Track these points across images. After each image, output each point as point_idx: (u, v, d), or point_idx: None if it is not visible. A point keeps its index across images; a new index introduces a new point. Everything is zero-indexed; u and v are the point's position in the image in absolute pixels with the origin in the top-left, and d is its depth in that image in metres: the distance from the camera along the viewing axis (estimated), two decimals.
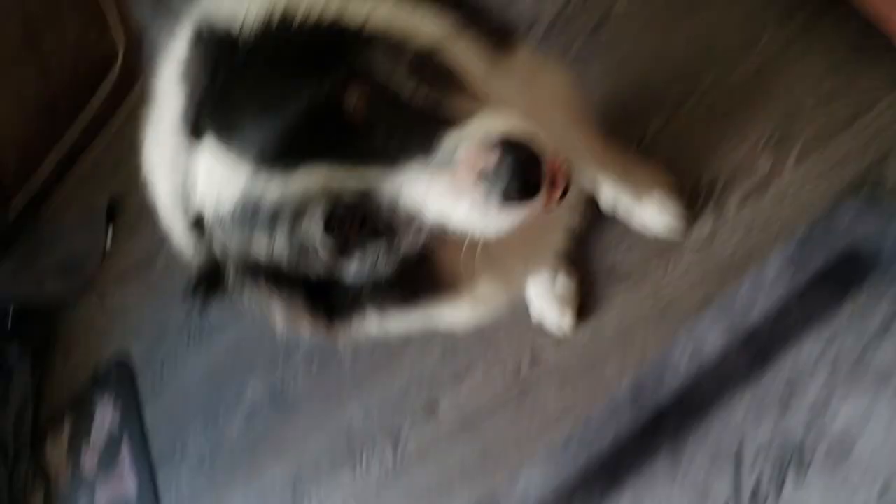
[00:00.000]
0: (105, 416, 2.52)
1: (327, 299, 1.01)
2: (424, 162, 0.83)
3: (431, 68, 0.97)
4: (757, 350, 1.18)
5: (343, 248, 0.90)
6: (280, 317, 1.01)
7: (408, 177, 0.84)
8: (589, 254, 1.70)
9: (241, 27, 0.94)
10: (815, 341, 0.94)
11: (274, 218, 0.87)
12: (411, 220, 0.88)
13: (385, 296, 1.01)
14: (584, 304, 1.68)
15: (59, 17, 2.95)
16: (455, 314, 1.16)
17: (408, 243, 0.92)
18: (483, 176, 0.82)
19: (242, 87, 0.90)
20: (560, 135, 1.06)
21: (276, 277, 0.96)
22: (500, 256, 1.10)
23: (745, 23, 1.65)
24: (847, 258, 0.65)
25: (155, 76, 1.05)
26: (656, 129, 1.70)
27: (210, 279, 0.97)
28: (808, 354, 1.02)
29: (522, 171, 0.81)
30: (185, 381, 2.38)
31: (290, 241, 0.90)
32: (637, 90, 1.76)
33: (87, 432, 2.55)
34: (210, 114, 0.91)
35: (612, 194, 1.61)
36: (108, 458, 2.47)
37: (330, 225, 0.87)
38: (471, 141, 0.83)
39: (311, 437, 2.05)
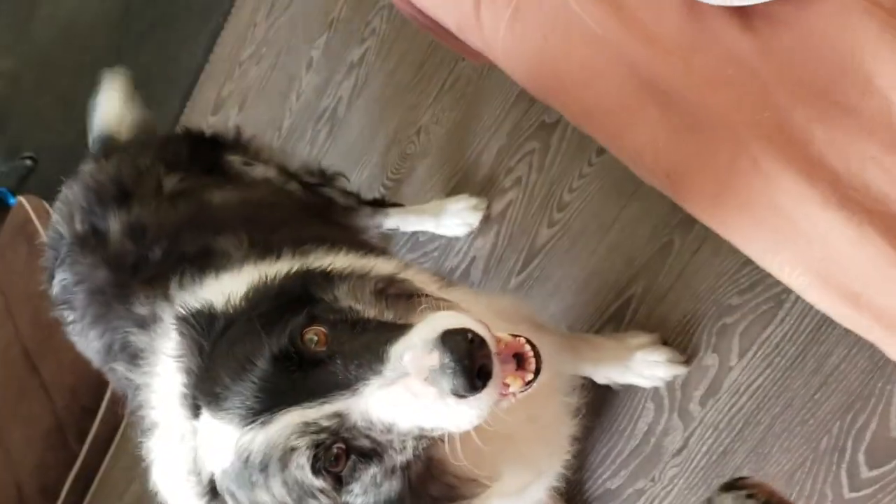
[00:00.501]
0: None
1: None
2: (380, 377, 0.86)
3: (393, 291, 1.06)
4: None
5: (338, 483, 0.91)
6: None
7: (369, 396, 0.86)
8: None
9: (221, 305, 1.05)
10: None
11: (264, 470, 0.91)
12: (391, 435, 0.89)
13: None
14: None
15: (53, 344, 3.12)
16: None
17: (401, 458, 0.92)
18: (430, 378, 0.83)
19: (223, 358, 0.97)
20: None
21: None
22: (508, 445, 1.12)
23: (654, 233, 1.76)
24: None
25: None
26: None
27: None
28: None
29: (464, 364, 0.82)
30: None
31: (288, 489, 0.92)
32: (578, 307, 1.85)
33: None
34: (201, 389, 0.97)
35: (601, 373, 1.65)
36: None
37: (316, 465, 0.89)
38: (412, 347, 0.85)
39: None
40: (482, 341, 0.84)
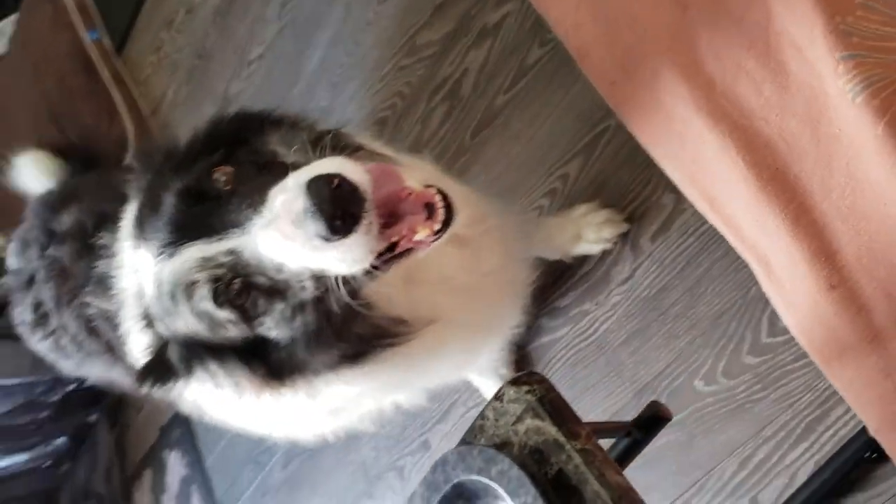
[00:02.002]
0: (175, 466, 2.85)
1: (268, 362, 1.03)
2: (260, 218, 0.89)
3: (328, 143, 1.03)
4: None
5: (244, 315, 0.96)
6: (225, 385, 1.04)
7: (255, 236, 0.90)
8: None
9: (169, 147, 1.09)
10: None
11: (174, 300, 0.96)
12: (285, 274, 0.92)
13: (329, 352, 1.03)
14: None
15: (76, 110, 3.23)
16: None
17: (307, 295, 0.95)
18: (296, 221, 0.85)
19: (148, 192, 1.03)
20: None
21: (209, 350, 1.02)
22: (450, 293, 1.15)
23: None
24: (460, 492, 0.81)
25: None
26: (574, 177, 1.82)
27: (159, 363, 1.05)
28: None
29: (323, 208, 0.83)
30: (232, 432, 2.68)
31: (198, 318, 0.97)
32: (556, 136, 1.88)
33: (163, 481, 2.90)
34: (136, 221, 1.04)
35: (552, 249, 1.72)
36: (183, 501, 2.81)
37: (218, 298, 0.94)
38: (284, 190, 0.88)
39: (336, 475, 2.31)
40: (353, 188, 0.85)
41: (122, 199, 1.20)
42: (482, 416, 0.86)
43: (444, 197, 0.96)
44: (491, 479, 0.77)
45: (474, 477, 0.78)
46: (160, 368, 1.05)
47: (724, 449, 1.53)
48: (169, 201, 0.97)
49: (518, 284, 1.40)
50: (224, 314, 0.96)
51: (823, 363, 1.16)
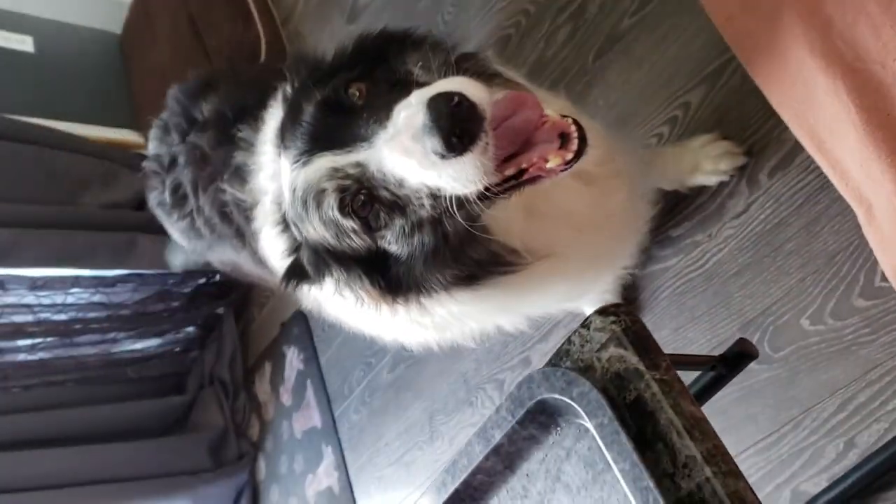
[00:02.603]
0: (293, 361, 3.04)
1: (387, 277, 1.08)
2: (385, 133, 0.92)
3: (466, 66, 1.08)
4: None
5: (367, 226, 1.01)
6: (348, 293, 1.11)
7: (379, 150, 0.93)
8: None
9: (316, 60, 1.15)
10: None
11: (305, 206, 1.02)
12: (406, 190, 0.95)
13: (444, 272, 1.06)
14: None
15: (213, 15, 3.36)
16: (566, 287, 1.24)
17: (424, 213, 0.98)
18: (415, 136, 0.87)
19: (298, 105, 1.07)
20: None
21: (335, 258, 1.07)
22: (567, 227, 1.16)
23: None
24: (542, 409, 0.84)
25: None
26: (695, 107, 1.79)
27: (296, 267, 1.13)
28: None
29: (440, 124, 0.84)
30: (346, 333, 2.82)
31: (325, 226, 1.02)
32: (682, 59, 1.84)
33: (282, 373, 3.10)
34: (280, 130, 1.11)
35: (669, 179, 1.71)
36: (298, 394, 3.00)
37: (344, 208, 0.99)
38: (407, 106, 0.90)
39: (439, 382, 2.41)
40: (472, 105, 0.86)
41: (262, 95, 1.27)
42: (569, 341, 0.90)
43: (579, 128, 0.96)
44: (572, 399, 0.81)
45: (556, 396, 0.83)
46: (297, 272, 1.12)
47: (825, 388, 1.52)
48: (307, 112, 1.02)
49: (638, 226, 1.41)
50: (349, 223, 1.01)
51: None
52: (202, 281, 3.31)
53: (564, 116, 0.97)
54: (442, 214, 0.98)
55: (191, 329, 3.44)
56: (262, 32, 3.22)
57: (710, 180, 1.69)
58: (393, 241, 1.04)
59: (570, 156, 0.94)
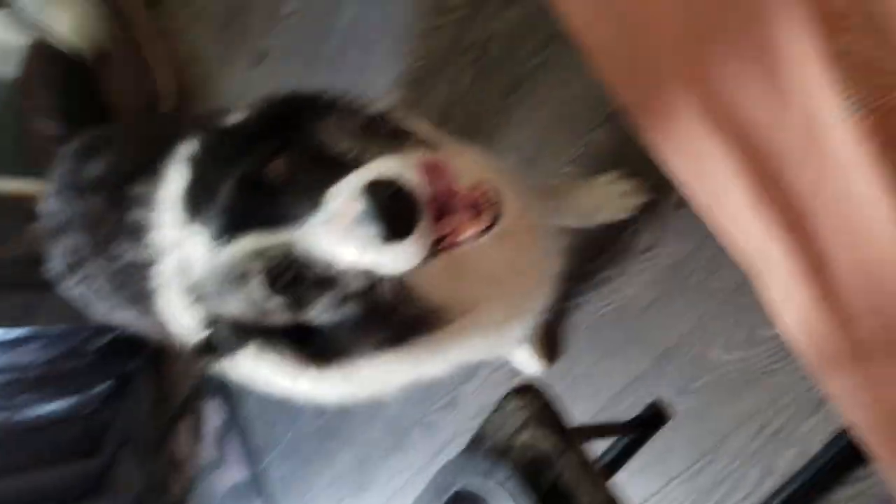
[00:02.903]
0: (213, 414, 2.96)
1: (313, 344, 1.06)
2: (317, 216, 0.91)
3: (381, 129, 1.08)
4: None
5: (294, 304, 0.99)
6: (270, 362, 1.09)
7: (311, 231, 0.92)
8: None
9: (229, 121, 1.10)
10: None
11: (227, 285, 0.99)
12: (339, 268, 0.94)
13: (372, 336, 1.06)
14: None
15: (110, 61, 3.27)
16: (478, 348, 1.23)
17: (355, 287, 0.97)
18: (354, 223, 0.88)
19: (206, 171, 1.05)
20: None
21: (256, 332, 1.05)
22: (485, 281, 1.16)
23: None
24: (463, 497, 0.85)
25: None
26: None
27: (212, 341, 1.08)
28: None
29: (382, 214, 0.86)
30: None
31: (249, 304, 1.00)
32: (584, 99, 1.88)
33: (202, 427, 3.02)
34: (194, 202, 1.05)
35: (578, 216, 1.74)
36: (221, 448, 2.92)
37: (271, 287, 0.97)
38: (342, 192, 0.90)
39: (366, 428, 2.39)
40: (410, 192, 0.87)
41: (158, 153, 1.23)
42: (484, 424, 0.90)
43: (493, 196, 0.97)
44: (491, 486, 0.81)
45: (476, 483, 0.83)
46: (212, 347, 1.08)
47: (740, 417, 1.56)
48: (226, 187, 0.99)
49: (552, 275, 1.42)
50: (276, 302, 0.99)
51: (813, 368, 1.19)
52: (114, 336, 3.20)
53: (478, 183, 0.98)
54: (372, 285, 0.98)
55: (103, 387, 3.31)
56: (164, 79, 3.16)
57: (617, 217, 1.72)
58: (320, 314, 1.02)
59: (485, 224, 0.95)
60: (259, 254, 0.96)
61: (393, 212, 0.86)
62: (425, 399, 2.19)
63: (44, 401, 3.13)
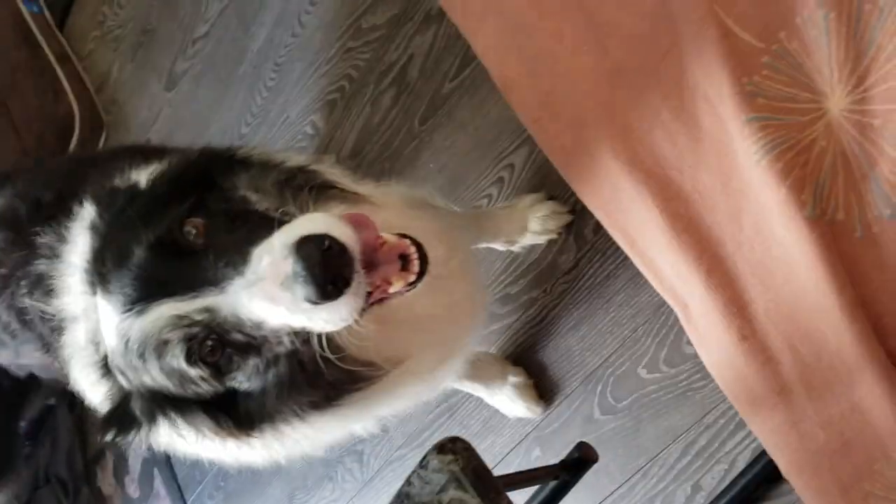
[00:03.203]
0: (137, 449, 2.86)
1: (235, 414, 1.01)
2: (242, 278, 0.87)
3: (299, 182, 1.04)
4: None
5: (217, 371, 0.94)
6: (188, 435, 1.03)
7: (234, 295, 0.87)
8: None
9: (132, 188, 1.05)
10: None
11: (143, 357, 0.93)
12: (263, 331, 0.90)
13: (300, 400, 1.01)
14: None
15: (18, 85, 3.15)
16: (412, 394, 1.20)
17: (281, 349, 0.93)
18: (284, 283, 0.84)
19: (112, 239, 0.99)
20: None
21: (174, 404, 0.99)
22: (416, 328, 1.13)
23: None
24: None
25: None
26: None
27: (121, 415, 1.02)
28: None
29: (315, 273, 0.82)
30: None
31: (167, 376, 0.95)
32: (503, 123, 1.88)
33: (125, 464, 2.91)
34: (93, 267, 1.00)
35: (502, 239, 1.73)
36: (146, 483, 2.83)
37: (191, 357, 0.92)
38: (269, 252, 0.86)
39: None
40: (342, 248, 0.84)
41: (62, 193, 1.18)
42: (409, 482, 0.88)
43: (419, 248, 0.96)
44: None
45: None
46: (122, 420, 1.02)
47: (668, 435, 1.57)
48: (137, 253, 0.93)
49: (482, 313, 1.40)
50: (196, 372, 0.94)
51: (738, 406, 1.21)
52: (29, 373, 3.07)
53: (403, 236, 0.96)
54: (299, 346, 0.94)
55: (21, 425, 3.17)
56: (75, 103, 3.05)
57: (540, 239, 1.72)
58: (245, 380, 0.98)
59: (412, 277, 0.94)
60: (177, 322, 0.91)
61: (325, 271, 0.83)
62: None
63: None
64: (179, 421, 1.00)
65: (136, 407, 1.02)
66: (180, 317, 0.91)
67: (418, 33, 2.03)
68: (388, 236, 0.95)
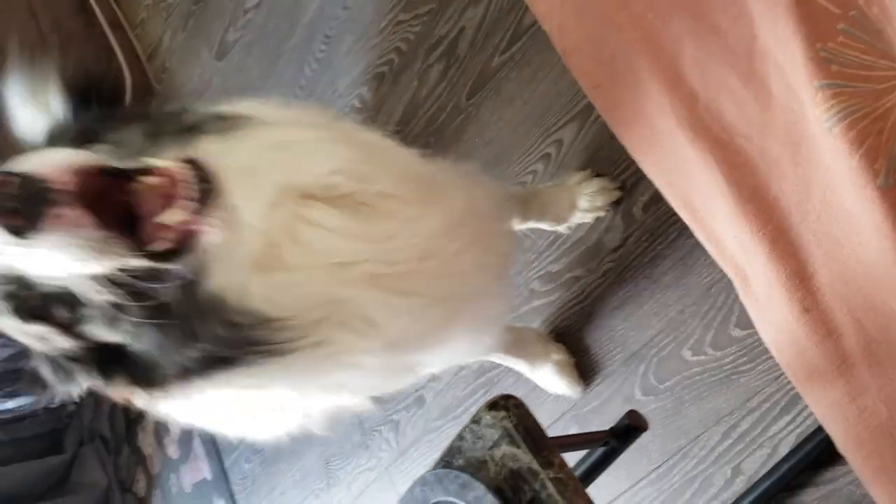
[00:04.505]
0: None
1: (130, 369, 0.95)
2: None
3: (175, 127, 0.95)
4: None
5: (59, 326, 0.89)
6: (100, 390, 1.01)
7: None
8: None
9: None
10: None
11: None
12: (50, 281, 0.85)
13: (185, 354, 0.92)
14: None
15: (72, 50, 3.19)
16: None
17: (99, 297, 0.86)
18: None
19: None
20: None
21: (69, 360, 0.96)
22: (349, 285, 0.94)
23: None
24: None
25: None
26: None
27: (33, 375, 1.02)
28: None
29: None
30: None
31: (20, 333, 0.92)
32: (551, 98, 1.87)
33: (166, 424, 2.97)
34: None
35: (549, 220, 1.71)
36: (185, 445, 2.88)
37: (20, 313, 0.88)
38: None
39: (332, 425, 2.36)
40: (36, 181, 0.76)
41: None
42: (460, 437, 0.89)
43: (197, 169, 0.85)
44: (467, 502, 0.79)
45: (451, 499, 0.81)
46: (36, 380, 1.02)
47: (710, 417, 1.56)
48: None
49: (488, 269, 1.20)
50: (35, 328, 0.90)
51: (795, 380, 1.19)
52: None
53: (184, 159, 0.85)
54: (135, 294, 0.86)
55: None
56: (127, 71, 3.09)
57: (588, 217, 1.71)
58: (104, 333, 0.91)
59: (191, 204, 0.83)
60: None
61: (8, 206, 0.75)
62: (392, 396, 2.17)
63: (5, 397, 3.06)
64: (80, 375, 0.97)
65: (42, 366, 1.00)
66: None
67: (470, 6, 2.01)
68: (160, 162, 0.85)
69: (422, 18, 2.13)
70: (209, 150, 0.88)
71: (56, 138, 0.97)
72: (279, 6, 2.58)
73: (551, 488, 0.77)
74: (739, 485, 1.52)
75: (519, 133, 1.89)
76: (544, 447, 0.81)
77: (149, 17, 3.19)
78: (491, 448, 0.83)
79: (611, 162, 1.71)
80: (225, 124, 0.95)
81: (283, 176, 0.90)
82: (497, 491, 0.78)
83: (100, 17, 3.21)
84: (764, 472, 1.45)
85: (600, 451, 1.24)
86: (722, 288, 1.55)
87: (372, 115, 2.25)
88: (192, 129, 0.95)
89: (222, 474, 2.72)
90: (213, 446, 2.77)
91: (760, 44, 0.86)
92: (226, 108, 1.00)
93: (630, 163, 1.68)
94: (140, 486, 3.09)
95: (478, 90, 1.98)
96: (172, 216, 0.83)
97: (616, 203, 1.70)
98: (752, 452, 1.51)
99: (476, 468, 0.83)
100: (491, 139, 1.94)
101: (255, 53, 2.67)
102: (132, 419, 3.15)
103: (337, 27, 2.37)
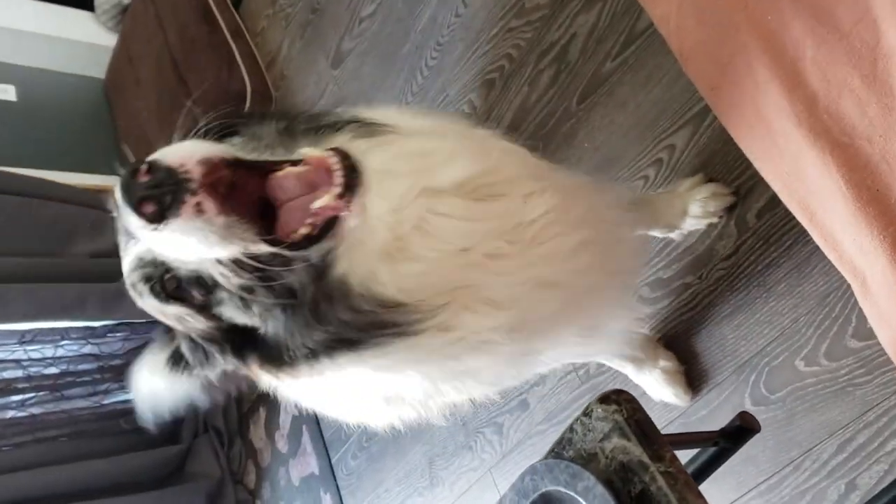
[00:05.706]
0: (288, 406, 3.02)
1: (261, 349, 0.99)
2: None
3: (306, 126, 1.01)
4: None
5: (194, 306, 0.94)
6: (233, 370, 1.05)
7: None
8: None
9: None
10: None
11: (138, 296, 0.97)
12: (187, 264, 0.89)
13: (312, 336, 0.95)
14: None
15: (196, 60, 3.37)
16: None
17: (230, 281, 0.90)
18: (122, 215, 0.84)
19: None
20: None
21: (206, 341, 1.02)
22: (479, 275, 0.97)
23: None
24: (546, 501, 0.84)
25: None
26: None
27: (175, 354, 1.08)
28: None
29: (129, 200, 0.80)
30: None
31: (159, 313, 0.97)
32: (666, 101, 1.86)
33: (277, 419, 3.08)
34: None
35: (661, 226, 1.71)
36: (295, 439, 2.98)
37: (158, 294, 0.94)
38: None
39: (437, 426, 2.40)
40: (168, 169, 0.81)
41: None
42: (571, 429, 0.90)
43: (344, 158, 0.89)
44: (576, 492, 0.81)
45: (561, 489, 0.83)
46: (180, 359, 1.08)
47: (823, 430, 1.52)
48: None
49: (609, 268, 1.19)
50: (173, 309, 0.95)
51: None
52: None
53: (332, 150, 0.89)
54: (264, 277, 0.90)
55: None
56: (247, 78, 3.24)
57: (700, 224, 1.69)
58: (234, 315, 0.96)
59: (336, 190, 0.86)
60: (138, 263, 0.94)
61: (130, 193, 0.80)
62: (496, 399, 2.20)
63: (128, 389, 3.23)
64: (215, 356, 1.02)
65: (184, 346, 1.06)
66: (140, 258, 0.94)
67: (582, 12, 2.03)
68: (311, 152, 0.89)
69: (534, 24, 2.16)
70: (349, 147, 0.93)
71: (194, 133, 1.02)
72: (393, 14, 2.66)
73: (661, 482, 0.77)
74: (854, 500, 1.47)
75: (630, 138, 1.88)
76: (655, 441, 0.82)
77: (268, 26, 3.34)
78: (602, 440, 0.85)
79: (724, 167, 1.69)
80: (363, 129, 1.00)
81: (418, 179, 0.95)
82: (607, 482, 0.79)
83: (222, 26, 3.38)
84: (881, 488, 1.40)
85: (710, 451, 1.23)
86: (838, 297, 1.51)
87: (482, 120, 2.29)
88: (326, 128, 1.00)
89: (329, 470, 2.81)
90: (322, 442, 2.85)
91: (884, 45, 0.84)
92: (364, 113, 1.05)
93: (744, 168, 1.66)
94: (250, 478, 3.21)
95: (588, 95, 1.99)
96: (319, 201, 0.87)
97: (729, 209, 1.67)
98: (868, 467, 1.46)
99: (586, 460, 0.84)
100: (601, 143, 1.95)
101: (370, 61, 2.76)
102: (245, 412, 3.29)
103: (449, 34, 2.42)
